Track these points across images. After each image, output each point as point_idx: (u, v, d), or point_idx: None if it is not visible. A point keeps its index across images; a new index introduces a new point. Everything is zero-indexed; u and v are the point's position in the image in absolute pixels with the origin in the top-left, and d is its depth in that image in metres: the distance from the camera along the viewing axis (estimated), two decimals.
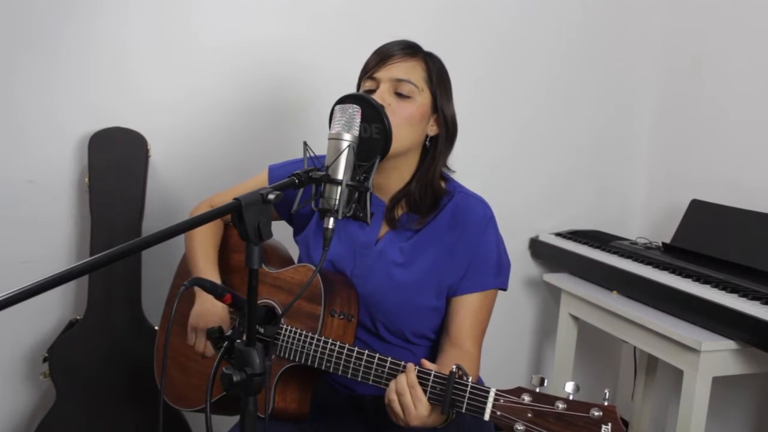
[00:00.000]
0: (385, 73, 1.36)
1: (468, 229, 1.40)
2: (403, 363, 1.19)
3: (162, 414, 1.09)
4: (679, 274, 2.02)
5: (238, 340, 0.99)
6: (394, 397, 1.16)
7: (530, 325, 2.76)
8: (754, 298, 1.78)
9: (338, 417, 1.46)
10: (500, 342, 2.36)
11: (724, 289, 1.87)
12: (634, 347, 2.49)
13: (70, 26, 2.06)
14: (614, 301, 2.16)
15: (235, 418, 1.38)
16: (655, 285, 2.02)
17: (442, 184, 1.45)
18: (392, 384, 1.17)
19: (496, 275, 1.42)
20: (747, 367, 1.87)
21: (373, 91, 1.36)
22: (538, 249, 2.65)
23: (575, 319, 2.45)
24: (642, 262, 2.17)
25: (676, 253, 2.24)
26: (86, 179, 2.06)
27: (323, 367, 1.27)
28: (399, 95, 1.35)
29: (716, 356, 1.83)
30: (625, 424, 2.65)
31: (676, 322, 1.95)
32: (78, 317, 2.08)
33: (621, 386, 2.81)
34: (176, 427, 2.09)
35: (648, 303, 2.09)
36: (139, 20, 2.11)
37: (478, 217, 1.42)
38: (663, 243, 2.36)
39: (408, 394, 1.14)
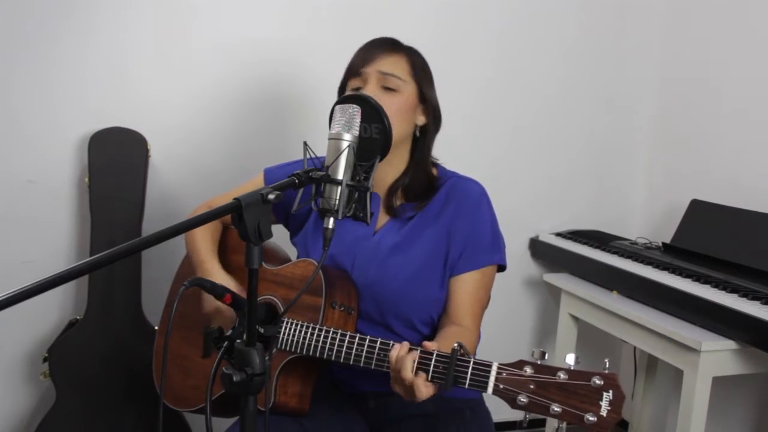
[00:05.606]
0: (371, 69, 1.39)
1: (463, 206, 1.43)
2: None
3: (161, 419, 1.09)
4: (679, 274, 2.02)
5: (238, 340, 0.99)
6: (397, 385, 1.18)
7: (530, 325, 2.76)
8: (754, 298, 1.78)
9: (340, 414, 1.46)
10: (500, 342, 2.35)
11: (724, 289, 1.87)
12: (634, 347, 2.49)
13: (70, 26, 2.06)
14: (614, 301, 2.16)
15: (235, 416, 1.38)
16: (655, 285, 2.02)
17: (433, 171, 1.49)
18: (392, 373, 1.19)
19: (492, 251, 1.44)
20: (747, 367, 1.87)
21: (360, 89, 1.38)
22: (538, 249, 2.65)
23: (575, 319, 2.45)
24: (642, 262, 2.17)
25: (676, 253, 2.24)
26: (86, 179, 2.06)
27: (324, 356, 1.27)
28: (386, 89, 1.39)
29: (716, 356, 1.83)
30: (625, 424, 2.65)
31: (676, 322, 1.95)
32: (78, 317, 2.08)
33: (621, 386, 2.80)
34: (176, 428, 2.09)
35: (648, 303, 2.09)
36: (139, 20, 2.11)
37: (473, 194, 1.45)
38: (663, 243, 2.36)
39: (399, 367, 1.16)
